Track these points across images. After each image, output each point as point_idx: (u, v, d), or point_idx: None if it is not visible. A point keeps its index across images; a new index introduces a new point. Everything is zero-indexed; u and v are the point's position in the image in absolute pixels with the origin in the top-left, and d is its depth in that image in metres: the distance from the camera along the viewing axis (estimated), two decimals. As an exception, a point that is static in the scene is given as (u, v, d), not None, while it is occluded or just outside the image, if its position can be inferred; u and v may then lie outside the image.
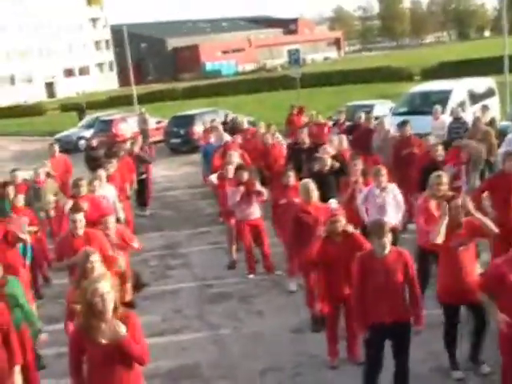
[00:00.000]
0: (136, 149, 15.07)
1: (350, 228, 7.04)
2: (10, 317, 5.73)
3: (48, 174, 13.13)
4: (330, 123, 17.44)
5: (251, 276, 10.42)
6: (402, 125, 12.63)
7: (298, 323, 8.47)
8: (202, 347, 8.16)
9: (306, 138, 13.29)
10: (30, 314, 6.61)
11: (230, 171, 10.97)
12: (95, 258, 6.29)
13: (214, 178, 11.91)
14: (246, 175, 10.36)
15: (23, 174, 12.64)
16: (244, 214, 10.27)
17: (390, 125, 14.08)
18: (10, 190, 10.99)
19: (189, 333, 8.66)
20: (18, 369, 5.79)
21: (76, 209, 8.22)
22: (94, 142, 17.72)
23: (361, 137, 14.20)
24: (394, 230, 6.46)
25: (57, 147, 15.29)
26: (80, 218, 7.95)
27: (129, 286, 7.92)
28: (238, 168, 10.68)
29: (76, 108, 39.63)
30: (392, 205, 9.03)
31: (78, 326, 4.89)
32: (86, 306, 4.79)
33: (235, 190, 10.30)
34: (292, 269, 9.59)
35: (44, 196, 12.03)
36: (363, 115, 15.55)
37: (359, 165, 9.82)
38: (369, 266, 6.00)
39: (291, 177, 9.61)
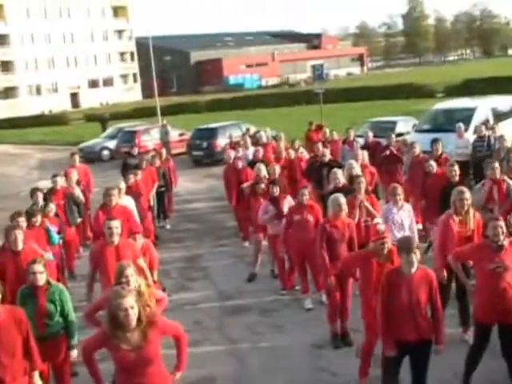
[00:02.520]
0: (157, 161, 15.16)
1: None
2: (29, 325, 5.76)
3: (78, 182, 13.45)
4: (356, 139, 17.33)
5: (285, 292, 10.36)
6: (433, 142, 12.59)
7: (318, 339, 8.44)
8: (220, 360, 8.17)
9: (326, 153, 13.32)
10: (73, 326, 6.62)
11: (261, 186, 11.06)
12: (130, 272, 6.31)
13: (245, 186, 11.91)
14: (278, 190, 10.41)
15: (46, 183, 12.88)
16: (276, 229, 10.20)
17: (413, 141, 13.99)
18: (39, 196, 11.19)
19: (208, 345, 8.67)
20: (37, 375, 5.84)
21: (112, 216, 8.28)
22: (135, 151, 17.82)
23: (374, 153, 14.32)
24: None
25: (77, 157, 15.49)
26: (116, 225, 7.81)
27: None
28: (271, 183, 10.74)
29: (100, 118, 40.00)
30: (407, 222, 9.05)
31: (104, 332, 5.06)
32: (110, 319, 4.95)
33: (267, 205, 10.34)
34: (305, 287, 9.61)
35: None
36: (370, 133, 15.88)
37: (363, 183, 9.84)
38: (396, 283, 5.98)
39: (306, 195, 9.60)
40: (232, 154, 14.96)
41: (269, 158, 15.59)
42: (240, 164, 13.71)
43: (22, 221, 8.86)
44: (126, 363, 4.97)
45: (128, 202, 11.33)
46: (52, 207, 10.83)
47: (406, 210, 9.16)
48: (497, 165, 9.58)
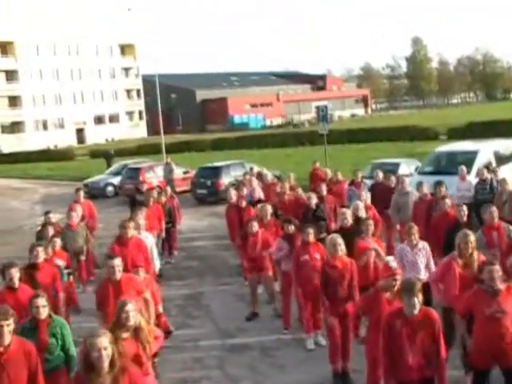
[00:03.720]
0: (163, 198, 15.30)
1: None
2: (38, 359, 5.81)
3: (82, 218, 13.50)
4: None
5: (287, 331, 10.33)
6: (436, 185, 12.69)
7: (319, 378, 8.42)
8: (221, 399, 8.15)
9: (312, 196, 13.31)
10: (73, 360, 6.62)
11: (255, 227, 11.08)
12: (130, 308, 6.35)
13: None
14: (292, 228, 10.47)
15: (58, 216, 12.95)
16: (290, 266, 10.10)
17: (414, 184, 14.08)
18: (49, 230, 11.26)
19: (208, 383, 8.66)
20: None
21: (112, 255, 8.37)
22: (144, 187, 17.87)
23: (380, 195, 14.38)
24: (424, 287, 6.48)
25: (82, 192, 15.60)
26: (117, 263, 7.96)
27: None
28: (285, 221, 10.81)
29: (105, 154, 40.20)
30: (423, 262, 9.10)
31: (79, 373, 5.08)
32: (83, 358, 4.95)
33: (282, 242, 10.40)
34: (309, 327, 9.61)
35: (77, 240, 12.29)
36: (380, 173, 15.74)
37: (371, 225, 9.86)
38: (397, 324, 6.00)
39: (311, 234, 9.66)
40: (233, 192, 14.90)
41: (272, 197, 15.70)
42: (243, 203, 13.77)
43: (42, 250, 8.99)
44: None
45: (148, 236, 11.36)
46: (58, 241, 10.86)
47: (422, 249, 9.18)
48: (494, 209, 9.61)
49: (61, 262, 10.21)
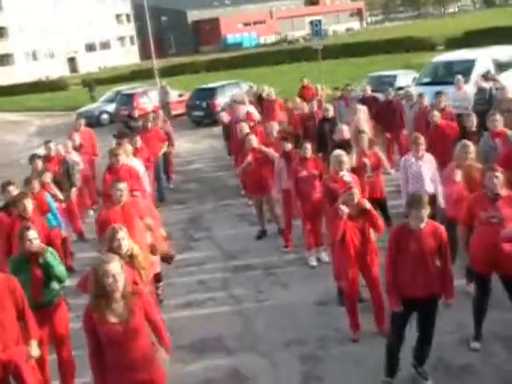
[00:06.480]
0: (160, 123, 15.10)
1: (367, 204, 7.04)
2: (23, 293, 5.73)
3: (79, 147, 13.36)
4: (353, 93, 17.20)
5: (287, 249, 10.39)
6: (436, 95, 12.47)
7: (322, 296, 8.47)
8: (226, 319, 8.21)
9: (330, 108, 13.22)
10: (63, 277, 6.49)
11: (253, 141, 10.93)
12: (121, 235, 6.28)
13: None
14: (289, 146, 10.34)
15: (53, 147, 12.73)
16: (288, 183, 10.04)
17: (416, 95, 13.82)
18: (38, 164, 11.08)
19: (213, 305, 8.72)
20: (34, 343, 5.81)
21: (119, 179, 8.24)
22: (136, 113, 17.77)
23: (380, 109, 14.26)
24: (431, 200, 6.40)
25: (83, 121, 15.42)
26: (124, 187, 7.84)
27: (157, 258, 7.97)
28: (282, 139, 10.67)
29: (88, 85, 40.15)
30: (428, 174, 8.98)
31: (88, 307, 4.93)
32: (97, 286, 4.82)
33: (280, 161, 10.28)
34: (310, 244, 9.62)
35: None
36: (368, 87, 15.98)
37: (366, 137, 9.89)
38: (404, 239, 5.92)
39: (308, 149, 9.54)
40: (226, 115, 15.33)
41: (277, 115, 15.62)
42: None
43: (13, 190, 8.84)
44: (112, 336, 4.83)
45: (137, 164, 11.28)
46: (48, 175, 10.71)
47: (427, 161, 9.06)
48: (498, 117, 9.41)
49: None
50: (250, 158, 10.70)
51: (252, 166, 10.69)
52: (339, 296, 8.17)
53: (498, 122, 9.26)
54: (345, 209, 6.90)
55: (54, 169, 11.69)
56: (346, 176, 7.26)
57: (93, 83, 40.44)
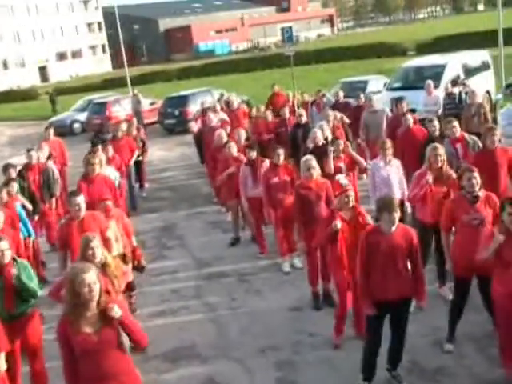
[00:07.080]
0: (134, 131, 15.01)
1: (360, 206, 7.10)
2: None
3: (49, 157, 13.16)
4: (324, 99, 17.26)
5: (262, 255, 10.35)
6: (397, 101, 12.50)
7: (296, 301, 8.46)
8: (199, 327, 8.15)
9: (303, 114, 13.24)
10: (35, 293, 6.33)
11: (233, 149, 10.91)
12: (95, 244, 6.20)
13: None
14: (255, 154, 10.32)
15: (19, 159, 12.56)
16: (255, 191, 10.03)
17: (385, 101, 13.95)
18: (12, 173, 10.87)
19: (187, 313, 8.65)
20: (2, 356, 5.71)
21: (75, 192, 8.11)
22: (107, 124, 17.73)
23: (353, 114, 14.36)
24: (399, 204, 6.42)
25: (52, 131, 15.24)
26: (81, 200, 7.66)
27: (129, 267, 7.89)
28: (247, 147, 10.65)
29: (49, 98, 39.17)
30: (395, 179, 9.06)
31: (62, 317, 4.81)
32: (72, 295, 4.71)
33: (245, 168, 10.26)
34: (283, 250, 9.60)
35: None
36: (341, 93, 16.19)
37: (342, 144, 10.02)
38: (375, 242, 5.93)
39: (281, 155, 9.54)
40: (195, 125, 15.42)
41: (241, 123, 15.53)
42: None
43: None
44: (86, 347, 4.69)
45: (111, 172, 11.16)
46: (14, 185, 10.31)
47: (394, 166, 9.15)
48: (455, 123, 9.50)
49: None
50: (233, 167, 10.67)
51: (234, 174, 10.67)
52: (314, 300, 8.17)
53: (456, 128, 9.37)
54: (339, 224, 6.89)
55: (34, 178, 11.55)
56: (342, 179, 7.23)
57: (54, 96, 39.12)
